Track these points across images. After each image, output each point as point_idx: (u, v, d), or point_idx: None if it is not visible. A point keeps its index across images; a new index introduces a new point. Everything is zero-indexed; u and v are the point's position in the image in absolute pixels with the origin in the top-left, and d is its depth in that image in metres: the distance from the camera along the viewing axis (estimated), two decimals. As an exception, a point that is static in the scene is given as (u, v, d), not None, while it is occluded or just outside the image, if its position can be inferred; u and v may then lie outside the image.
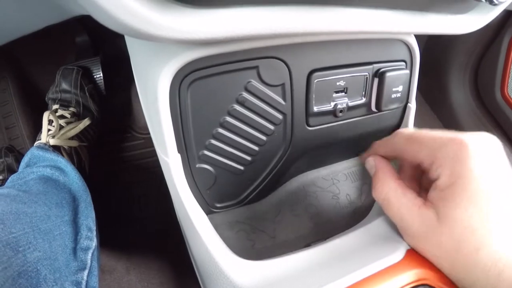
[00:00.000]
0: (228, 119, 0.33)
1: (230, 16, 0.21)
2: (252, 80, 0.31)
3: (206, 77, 0.29)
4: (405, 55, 0.41)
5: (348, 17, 0.27)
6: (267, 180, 0.39)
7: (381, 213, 0.40)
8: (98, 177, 0.84)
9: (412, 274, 0.27)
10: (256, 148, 0.36)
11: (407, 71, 0.40)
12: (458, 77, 1.10)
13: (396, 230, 0.33)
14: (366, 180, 0.46)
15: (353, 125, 0.40)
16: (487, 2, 0.30)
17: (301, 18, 0.24)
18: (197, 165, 0.36)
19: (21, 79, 0.93)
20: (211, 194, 0.39)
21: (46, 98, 0.82)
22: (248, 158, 0.37)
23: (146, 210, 0.88)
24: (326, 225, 0.42)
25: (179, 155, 0.33)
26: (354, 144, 0.44)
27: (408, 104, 0.44)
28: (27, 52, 0.91)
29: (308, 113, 0.36)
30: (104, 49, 0.98)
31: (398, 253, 0.29)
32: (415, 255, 0.29)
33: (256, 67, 0.31)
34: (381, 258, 0.29)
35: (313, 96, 0.35)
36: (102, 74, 0.91)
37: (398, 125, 0.46)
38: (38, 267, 0.37)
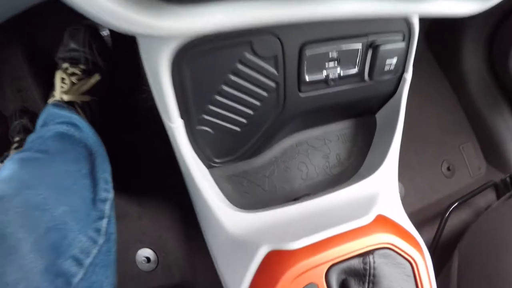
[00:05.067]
0: (225, 88, 0.36)
1: (214, 11, 0.23)
2: (246, 53, 0.34)
3: (204, 52, 0.32)
4: (402, 26, 0.42)
5: (340, 6, 0.28)
6: (262, 139, 0.43)
7: (365, 176, 0.44)
8: (112, 129, 0.88)
9: (377, 237, 0.32)
10: (251, 112, 0.39)
11: (403, 44, 0.42)
12: (473, 41, 1.07)
13: (372, 194, 0.37)
14: (356, 142, 0.50)
15: (345, 93, 0.43)
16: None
17: (287, 11, 0.26)
18: (197, 127, 0.40)
19: (30, 42, 0.95)
20: (210, 151, 0.43)
21: (55, 58, 0.84)
22: (244, 120, 0.40)
23: (157, 160, 0.93)
24: (314, 182, 0.46)
25: (181, 120, 0.37)
26: (347, 108, 0.47)
27: (404, 74, 0.46)
28: (33, 14, 0.92)
29: (300, 81, 0.38)
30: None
31: (368, 217, 0.34)
32: (383, 220, 0.33)
33: (249, 42, 0.33)
34: (353, 219, 0.33)
35: (304, 67, 0.37)
36: (109, 31, 0.93)
37: (392, 93, 0.48)
38: (65, 219, 0.43)
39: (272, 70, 0.36)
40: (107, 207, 0.52)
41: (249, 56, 0.34)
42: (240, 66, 0.34)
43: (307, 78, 0.38)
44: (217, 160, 0.44)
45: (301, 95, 0.40)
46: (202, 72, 0.34)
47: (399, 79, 0.46)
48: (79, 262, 0.42)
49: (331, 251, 0.31)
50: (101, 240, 0.48)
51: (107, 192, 0.54)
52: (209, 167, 0.45)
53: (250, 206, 0.44)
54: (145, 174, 0.93)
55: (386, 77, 0.43)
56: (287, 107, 0.40)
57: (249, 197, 0.44)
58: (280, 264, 0.31)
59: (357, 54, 0.40)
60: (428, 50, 1.18)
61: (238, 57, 0.34)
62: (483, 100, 1.09)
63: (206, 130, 0.40)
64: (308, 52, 0.36)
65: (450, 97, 1.13)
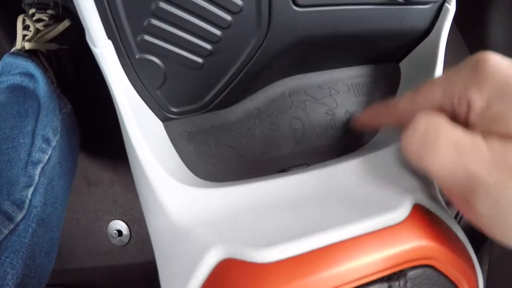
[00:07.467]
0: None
1: None
2: None
3: None
4: None
5: None
6: (237, 80, 0.29)
7: (388, 142, 0.30)
8: (85, 83, 0.76)
9: (414, 246, 0.18)
10: (217, 32, 0.25)
11: None
12: (501, 10, 0.90)
13: (404, 169, 0.24)
14: (374, 95, 0.36)
15: (366, 15, 0.29)
16: None
17: None
18: (137, 56, 0.26)
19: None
20: (163, 95, 0.29)
21: (22, 4, 0.76)
22: (208, 46, 0.26)
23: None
24: (312, 148, 0.33)
25: (109, 41, 0.24)
26: (364, 45, 0.33)
27: (446, 4, 0.32)
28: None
29: (296, -17, 0.24)
30: None
31: (401, 209, 0.20)
32: (423, 215, 0.20)
33: None
34: (376, 213, 0.20)
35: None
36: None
37: (427, 31, 0.34)
38: None
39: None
40: (37, 172, 0.42)
41: None
42: None
43: (307, -24, 0.24)
44: (174, 110, 0.31)
45: (297, 9, 0.26)
46: None
47: (438, 10, 0.32)
48: None
49: (333, 271, 0.17)
50: (19, 217, 0.37)
51: (43, 153, 0.44)
52: (164, 119, 0.31)
53: (217, 177, 0.31)
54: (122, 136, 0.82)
55: None
56: (274, 27, 0.26)
57: (216, 163, 0.31)
58: (239, 286, 0.18)
59: None
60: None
61: None
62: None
63: (152, 61, 0.27)
64: None
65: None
